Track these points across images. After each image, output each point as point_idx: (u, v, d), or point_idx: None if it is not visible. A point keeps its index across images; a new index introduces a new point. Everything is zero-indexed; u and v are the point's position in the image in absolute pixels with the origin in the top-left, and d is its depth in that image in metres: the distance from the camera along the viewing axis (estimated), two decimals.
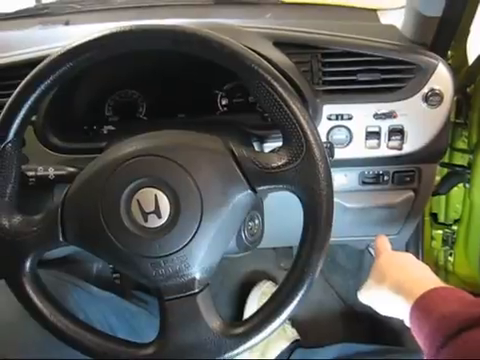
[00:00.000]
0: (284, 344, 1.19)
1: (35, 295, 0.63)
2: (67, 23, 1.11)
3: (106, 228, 0.59)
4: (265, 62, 0.60)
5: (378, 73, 0.82)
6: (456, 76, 0.84)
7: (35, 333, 0.66)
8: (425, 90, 0.81)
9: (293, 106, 0.58)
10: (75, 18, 1.13)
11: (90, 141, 0.84)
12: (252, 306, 1.33)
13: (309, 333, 1.32)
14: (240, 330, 0.60)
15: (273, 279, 1.45)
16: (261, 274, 1.50)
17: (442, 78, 0.81)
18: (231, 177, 0.60)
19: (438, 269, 1.38)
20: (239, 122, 0.83)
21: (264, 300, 1.30)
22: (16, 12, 1.17)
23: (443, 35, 0.84)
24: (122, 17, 1.13)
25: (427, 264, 1.22)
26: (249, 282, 1.45)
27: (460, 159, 1.15)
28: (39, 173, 0.72)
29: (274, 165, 0.59)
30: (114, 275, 1.20)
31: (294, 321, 1.31)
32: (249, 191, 0.60)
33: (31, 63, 0.69)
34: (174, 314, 0.60)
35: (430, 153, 0.85)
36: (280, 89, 0.59)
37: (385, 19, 1.01)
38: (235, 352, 0.60)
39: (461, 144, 1.13)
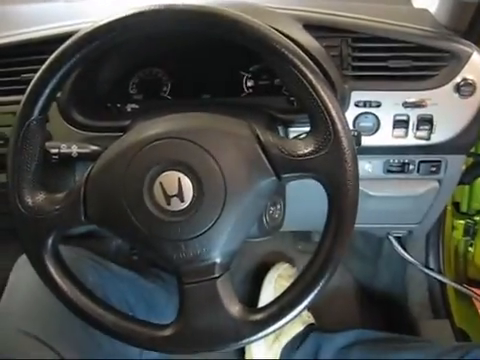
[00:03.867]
0: (299, 328, 1.20)
1: (55, 272, 0.64)
2: None
3: (128, 210, 0.59)
4: (295, 46, 0.59)
5: (409, 60, 0.80)
6: None
7: (57, 308, 0.67)
8: (458, 79, 0.78)
9: (322, 93, 0.57)
10: None
11: (114, 119, 0.84)
12: (268, 288, 1.33)
13: (324, 317, 1.32)
14: (259, 317, 0.60)
15: (290, 261, 1.45)
16: (278, 255, 1.50)
17: (476, 67, 0.78)
18: (256, 163, 0.59)
19: (458, 259, 1.36)
20: (264, 105, 0.82)
21: (281, 282, 1.32)
22: None
23: (479, 22, 0.81)
24: None
25: (447, 253, 1.22)
26: (266, 263, 1.45)
27: None
28: (62, 150, 0.72)
29: (300, 153, 0.58)
30: (132, 252, 1.20)
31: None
32: (274, 178, 0.59)
33: (56, 39, 0.69)
34: (193, 298, 0.61)
35: (458, 144, 0.83)
36: (310, 75, 0.57)
37: (418, 2, 0.98)
38: (253, 338, 0.61)
39: None
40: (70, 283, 0.64)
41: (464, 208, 1.30)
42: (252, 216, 0.63)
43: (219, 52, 0.88)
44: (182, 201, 0.58)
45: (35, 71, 0.62)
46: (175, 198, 0.58)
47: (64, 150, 0.73)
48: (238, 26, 0.57)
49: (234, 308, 0.61)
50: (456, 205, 1.31)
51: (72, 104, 0.82)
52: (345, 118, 0.58)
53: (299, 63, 0.57)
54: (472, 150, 1.09)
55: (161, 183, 0.59)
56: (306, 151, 0.58)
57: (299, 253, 1.50)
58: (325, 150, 0.57)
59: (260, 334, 0.60)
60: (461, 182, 1.17)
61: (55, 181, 0.75)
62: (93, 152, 0.73)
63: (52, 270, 0.64)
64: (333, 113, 0.57)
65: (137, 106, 0.92)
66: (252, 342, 0.62)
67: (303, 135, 0.61)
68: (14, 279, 0.86)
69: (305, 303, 0.59)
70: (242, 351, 1.25)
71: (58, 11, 1.00)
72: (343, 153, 0.57)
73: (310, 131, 0.59)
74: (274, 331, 0.61)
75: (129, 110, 0.92)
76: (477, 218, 1.29)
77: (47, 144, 0.71)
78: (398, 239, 1.18)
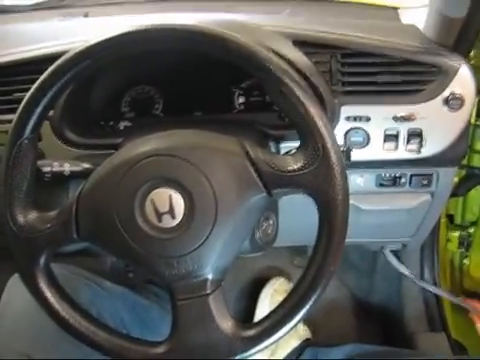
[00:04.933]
0: (295, 342, 1.19)
1: (48, 290, 0.63)
2: (86, 15, 1.11)
3: (120, 227, 0.59)
4: (283, 63, 0.59)
5: (398, 75, 0.81)
6: (478, 77, 0.82)
7: (48, 326, 0.67)
8: (446, 93, 0.79)
9: (310, 109, 0.58)
10: (94, 10, 1.12)
11: (106, 137, 0.84)
12: (264, 303, 1.33)
13: (320, 331, 1.32)
14: (252, 332, 0.60)
15: (286, 276, 1.45)
16: (274, 270, 1.50)
17: (464, 81, 0.79)
18: (246, 179, 0.59)
19: (453, 271, 1.36)
20: (256, 121, 0.83)
21: (276, 297, 1.32)
22: (35, 4, 1.17)
23: (466, 36, 0.81)
24: (141, 10, 1.13)
25: (442, 266, 1.22)
26: (262, 278, 1.44)
27: (479, 161, 1.13)
28: (55, 169, 0.73)
29: (290, 168, 0.58)
30: (127, 269, 1.20)
31: (306, 319, 1.30)
32: (264, 194, 0.60)
33: (49, 58, 0.69)
34: (186, 314, 0.60)
35: (449, 157, 0.84)
36: (298, 91, 0.58)
37: (406, 17, 0.99)
38: (246, 354, 0.60)
39: None
40: (62, 301, 0.64)
41: (458, 220, 1.30)
42: (244, 232, 0.63)
43: (210, 69, 0.89)
44: (173, 218, 0.58)
45: (28, 90, 0.62)
46: (166, 215, 0.59)
47: (56, 168, 0.73)
48: (226, 44, 0.58)
49: (227, 324, 0.60)
50: (450, 217, 1.31)
51: (65, 122, 0.82)
52: (333, 134, 0.59)
53: (287, 79, 0.58)
54: (465, 162, 1.11)
55: (152, 200, 0.59)
56: (296, 167, 0.58)
57: (295, 268, 1.50)
58: (314, 165, 0.57)
59: (253, 350, 0.60)
60: (455, 194, 1.18)
61: (48, 199, 0.75)
62: (85, 170, 0.73)
63: (44, 288, 0.63)
64: (321, 129, 0.57)
65: (130, 124, 0.93)
66: (245, 358, 0.62)
67: (293, 151, 0.61)
68: (7, 297, 0.85)
69: (297, 318, 0.59)
70: None
71: (52, 30, 1.01)
72: (332, 168, 0.57)
73: (299, 147, 0.60)
74: (267, 346, 0.60)
75: (122, 128, 0.92)
76: (471, 230, 1.29)
77: (39, 162, 0.71)
78: (393, 253, 1.18)
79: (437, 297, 1.30)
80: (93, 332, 0.63)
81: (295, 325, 0.60)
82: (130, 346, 0.62)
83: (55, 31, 0.97)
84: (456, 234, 1.31)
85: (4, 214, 0.63)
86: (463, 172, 1.16)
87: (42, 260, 0.63)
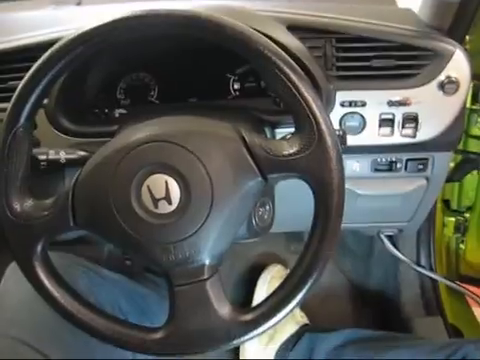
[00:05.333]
0: (293, 328, 1.20)
1: (46, 278, 0.64)
2: (79, 3, 1.10)
3: (116, 213, 0.60)
4: (277, 48, 0.59)
5: (393, 59, 0.81)
6: (473, 62, 0.82)
7: (47, 314, 0.67)
8: (441, 77, 0.79)
9: (305, 93, 0.58)
10: None
11: (101, 124, 0.84)
12: (262, 289, 1.33)
13: (318, 317, 1.32)
14: (249, 317, 0.60)
15: (283, 262, 1.45)
16: (271, 257, 1.50)
17: (459, 65, 0.79)
18: (242, 164, 0.59)
19: (449, 256, 1.37)
20: (251, 107, 0.83)
21: (274, 284, 1.32)
22: None
23: (462, 20, 0.81)
24: None
25: (438, 251, 1.22)
26: (259, 265, 1.45)
27: (475, 146, 1.13)
28: (50, 157, 0.72)
29: (285, 153, 0.58)
30: (125, 257, 1.20)
31: (303, 304, 1.31)
32: (260, 179, 0.60)
33: (42, 46, 0.69)
34: (183, 300, 0.61)
35: (444, 141, 0.84)
36: (293, 76, 0.58)
37: (402, 1, 0.99)
38: (244, 338, 0.60)
39: (476, 131, 1.11)
40: (60, 288, 0.64)
41: (454, 205, 1.30)
42: (240, 217, 0.63)
43: (205, 55, 0.88)
44: (170, 204, 0.59)
45: (22, 79, 0.62)
46: (163, 201, 0.59)
47: (52, 156, 0.73)
48: (221, 29, 0.58)
49: (224, 309, 0.61)
50: (446, 202, 1.32)
51: (60, 110, 0.82)
52: (329, 118, 0.59)
53: (282, 64, 0.58)
54: (461, 147, 1.11)
55: (148, 186, 0.59)
56: (291, 151, 0.58)
57: (292, 254, 1.50)
58: (310, 150, 0.57)
59: (251, 334, 0.60)
60: (451, 179, 1.18)
61: (45, 187, 0.75)
62: (81, 158, 0.73)
63: (42, 275, 0.63)
64: (317, 113, 0.57)
65: (125, 111, 0.93)
66: (243, 342, 0.62)
67: (288, 136, 0.61)
68: (5, 285, 0.86)
69: (294, 302, 0.59)
70: (236, 352, 1.25)
71: (45, 18, 1.00)
72: (328, 152, 0.57)
73: (295, 131, 0.60)
74: (265, 331, 0.61)
75: (117, 115, 0.92)
76: (467, 215, 1.30)
77: (35, 151, 0.71)
78: (389, 237, 1.19)
79: (433, 282, 1.31)
80: (91, 318, 0.63)
81: (292, 310, 0.60)
82: (128, 332, 0.63)
83: (48, 19, 0.96)
84: (452, 219, 1.31)
85: (0, 202, 0.63)
86: (459, 157, 1.16)
87: (39, 248, 0.63)
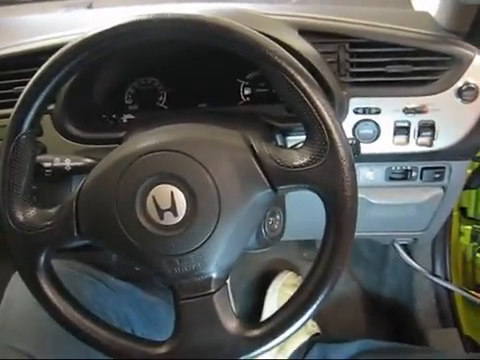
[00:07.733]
0: (304, 338, 1.18)
1: (49, 289, 0.62)
2: (90, 6, 1.10)
3: (120, 224, 0.58)
4: (288, 54, 0.57)
5: (409, 65, 0.78)
6: None
7: (50, 325, 0.66)
8: (459, 84, 0.76)
9: (317, 102, 0.55)
10: (98, 1, 1.11)
11: (109, 130, 0.82)
12: (272, 297, 1.32)
13: (330, 327, 1.31)
14: (257, 332, 0.58)
15: (295, 269, 1.44)
16: (283, 263, 1.49)
17: (478, 71, 0.76)
18: (251, 175, 0.57)
19: (465, 265, 1.34)
20: (262, 114, 0.81)
21: (285, 291, 1.31)
22: None
23: None
24: (145, 0, 1.11)
25: (454, 260, 1.20)
26: (270, 271, 1.44)
27: None
28: (55, 164, 0.71)
29: (296, 164, 0.56)
30: None
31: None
32: (269, 190, 0.58)
33: (51, 50, 0.68)
34: (189, 314, 0.59)
35: (462, 150, 0.81)
36: (304, 83, 0.56)
37: (418, 4, 0.96)
38: (251, 355, 0.59)
39: None
40: (63, 300, 0.62)
41: (471, 213, 1.28)
42: (248, 229, 0.62)
43: (215, 60, 0.87)
44: (175, 215, 0.57)
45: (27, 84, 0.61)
46: (168, 212, 0.57)
47: (57, 164, 0.71)
48: (230, 34, 0.56)
49: (231, 324, 0.59)
50: (463, 210, 1.29)
51: (66, 116, 0.81)
52: (342, 127, 0.57)
53: (292, 71, 0.56)
54: (478, 154, 1.08)
55: (154, 197, 0.57)
56: (302, 162, 0.56)
57: (304, 261, 1.49)
58: (321, 160, 0.55)
59: (258, 350, 0.59)
60: (468, 187, 1.15)
61: (51, 196, 0.74)
62: (87, 165, 0.72)
63: (45, 286, 0.62)
64: (329, 122, 0.55)
65: (133, 117, 0.91)
66: (251, 358, 0.60)
67: (299, 145, 0.59)
68: (8, 295, 0.85)
69: (304, 318, 0.58)
70: None
71: (55, 21, 0.99)
72: (340, 163, 0.55)
73: (306, 141, 0.58)
74: (273, 347, 0.59)
75: (125, 121, 0.91)
76: None
77: (40, 158, 0.70)
78: (404, 246, 1.16)
79: (449, 292, 1.29)
80: (94, 331, 0.62)
81: (301, 326, 0.58)
82: (132, 346, 0.61)
83: (58, 22, 0.96)
84: (469, 227, 1.29)
85: (3, 212, 0.62)
86: (476, 164, 1.13)
87: (42, 258, 0.62)
